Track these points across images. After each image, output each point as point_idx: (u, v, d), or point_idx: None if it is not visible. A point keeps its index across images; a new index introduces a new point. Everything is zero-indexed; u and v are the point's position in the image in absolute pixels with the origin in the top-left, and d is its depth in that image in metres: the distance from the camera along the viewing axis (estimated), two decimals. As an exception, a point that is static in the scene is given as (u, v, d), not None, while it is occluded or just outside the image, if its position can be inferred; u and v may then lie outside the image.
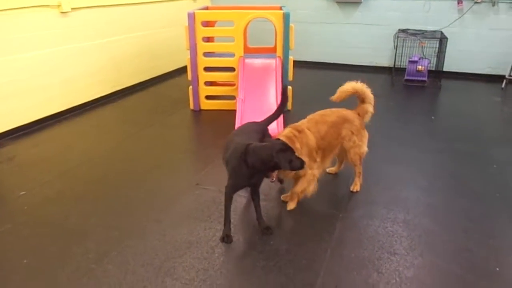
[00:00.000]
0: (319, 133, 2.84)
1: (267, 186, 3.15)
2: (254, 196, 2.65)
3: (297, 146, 2.66)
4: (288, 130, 2.79)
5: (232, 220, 2.66)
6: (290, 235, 2.66)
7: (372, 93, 3.17)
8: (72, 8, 4.73)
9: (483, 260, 2.40)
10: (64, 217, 2.86)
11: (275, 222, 2.79)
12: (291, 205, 2.90)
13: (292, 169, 2.44)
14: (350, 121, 3.02)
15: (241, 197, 3.00)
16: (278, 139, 2.55)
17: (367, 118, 3.16)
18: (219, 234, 2.61)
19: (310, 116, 2.97)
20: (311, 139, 2.78)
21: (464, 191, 3.17)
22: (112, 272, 2.31)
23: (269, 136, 2.85)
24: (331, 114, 3.00)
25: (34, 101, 4.46)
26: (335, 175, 3.40)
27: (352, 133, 3.02)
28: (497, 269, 2.32)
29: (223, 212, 2.62)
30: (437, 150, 3.89)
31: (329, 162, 3.06)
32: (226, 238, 2.56)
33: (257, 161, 2.38)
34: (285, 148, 2.40)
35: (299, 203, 2.91)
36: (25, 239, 2.63)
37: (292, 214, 2.82)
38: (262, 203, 2.71)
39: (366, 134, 3.14)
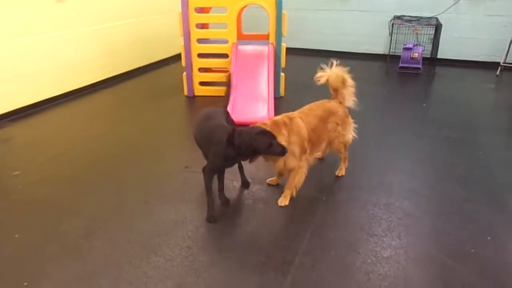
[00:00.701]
0: (310, 124, 2.84)
1: (254, 168, 3.23)
2: (221, 173, 2.80)
3: (283, 132, 2.65)
4: (280, 116, 2.80)
5: (216, 202, 2.74)
6: (273, 217, 2.73)
7: (352, 78, 3.15)
8: (67, -7, 4.77)
9: (460, 242, 2.47)
10: (56, 197, 2.95)
11: (261, 203, 2.87)
12: (284, 201, 2.85)
13: (271, 153, 2.50)
14: (334, 113, 3.03)
15: (227, 180, 3.08)
16: (259, 125, 2.60)
17: (350, 102, 3.17)
18: (204, 214, 2.69)
19: (299, 110, 2.97)
20: (303, 129, 2.77)
21: (448, 176, 3.24)
22: (99, 248, 2.41)
23: (231, 120, 2.91)
24: (317, 108, 2.99)
25: (31, 85, 4.52)
26: (321, 160, 3.46)
27: (337, 124, 3.04)
28: (472, 250, 2.39)
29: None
30: (425, 136, 3.95)
31: (315, 154, 3.10)
32: (212, 219, 2.64)
33: (243, 143, 2.46)
34: (264, 132, 2.47)
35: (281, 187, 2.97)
36: (18, 216, 2.73)
37: (277, 197, 2.89)
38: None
39: (350, 122, 3.17)
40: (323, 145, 3.11)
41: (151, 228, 2.59)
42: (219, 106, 2.94)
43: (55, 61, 4.77)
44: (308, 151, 2.84)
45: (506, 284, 2.15)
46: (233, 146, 2.49)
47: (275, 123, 2.68)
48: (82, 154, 3.61)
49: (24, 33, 4.37)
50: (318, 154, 3.43)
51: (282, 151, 2.51)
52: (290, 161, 2.73)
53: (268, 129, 2.52)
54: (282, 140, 2.59)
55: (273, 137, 2.49)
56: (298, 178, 2.82)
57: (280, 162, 2.74)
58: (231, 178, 3.11)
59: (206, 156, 2.75)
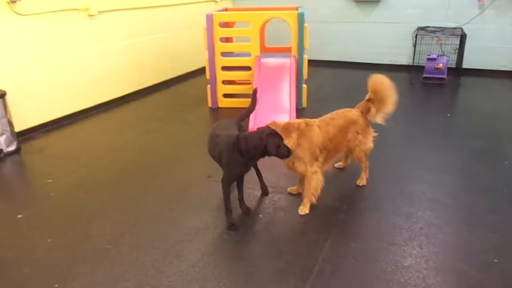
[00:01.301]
0: (328, 134, 2.89)
1: (275, 177, 3.29)
2: (239, 181, 2.85)
3: (292, 135, 2.71)
4: (298, 120, 2.88)
5: (237, 210, 2.81)
6: (293, 226, 2.77)
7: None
8: (99, 11, 5.02)
9: (483, 252, 2.44)
10: (85, 203, 3.09)
11: (281, 212, 2.92)
12: (304, 210, 2.88)
13: (279, 155, 2.58)
14: (355, 123, 3.06)
15: (248, 189, 3.15)
16: (267, 126, 2.69)
17: (373, 116, 3.16)
18: (226, 222, 2.76)
19: (321, 118, 3.03)
20: (317, 136, 2.82)
21: (471, 186, 3.20)
22: (126, 252, 2.51)
23: (245, 130, 2.96)
24: (338, 118, 3.03)
25: (63, 98, 4.76)
26: (342, 169, 3.49)
27: (358, 133, 3.07)
28: (496, 260, 2.37)
29: (232, 202, 2.78)
30: (449, 146, 3.91)
31: (333, 162, 3.12)
32: (233, 227, 2.71)
33: (250, 147, 2.55)
34: (274, 133, 2.57)
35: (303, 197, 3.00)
36: (50, 221, 2.87)
37: (297, 206, 2.93)
38: (269, 195, 2.84)
39: (370, 131, 3.19)
40: (341, 154, 3.14)
41: (174, 234, 2.68)
42: (232, 118, 3.02)
43: (86, 75, 5.00)
44: (320, 159, 2.86)
45: (530, 295, 2.12)
46: (240, 151, 2.58)
47: (287, 126, 2.75)
48: (110, 163, 3.77)
49: (58, 48, 4.61)
50: (340, 164, 3.46)
51: (287, 153, 2.59)
52: (298, 165, 2.80)
53: (276, 131, 2.60)
54: (289, 142, 2.67)
55: (281, 139, 2.58)
56: (313, 185, 2.84)
57: (289, 162, 2.83)
58: (252, 187, 3.18)
59: (221, 167, 2.81)
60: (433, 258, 2.39)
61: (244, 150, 2.56)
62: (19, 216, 2.95)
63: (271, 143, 2.54)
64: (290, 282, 2.23)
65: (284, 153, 2.59)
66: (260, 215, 2.86)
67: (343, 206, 2.97)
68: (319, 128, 2.87)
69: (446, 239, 2.57)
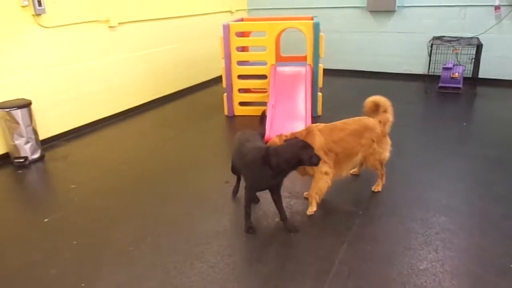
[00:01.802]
0: (331, 136, 2.97)
1: (290, 183, 3.36)
2: (276, 197, 2.77)
3: None
4: (299, 131, 2.99)
5: (256, 213, 2.88)
6: (310, 229, 2.83)
7: (391, 103, 3.28)
8: (119, 23, 5.19)
9: (498, 257, 2.46)
10: (107, 208, 3.20)
11: (299, 216, 2.98)
12: (310, 209, 2.98)
13: (311, 164, 2.63)
14: (370, 129, 3.11)
15: (266, 193, 3.21)
16: (296, 137, 2.74)
17: (388, 126, 3.24)
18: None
19: (333, 122, 3.11)
20: (318, 140, 2.91)
21: (486, 194, 3.21)
22: (147, 254, 2.60)
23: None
24: (353, 122, 3.11)
25: (84, 107, 4.92)
26: (357, 176, 3.53)
27: (373, 141, 3.11)
28: (511, 266, 2.38)
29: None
30: (464, 154, 3.93)
31: (349, 167, 3.16)
32: (251, 229, 2.78)
33: (282, 160, 2.54)
34: (307, 145, 2.60)
35: (322, 202, 3.05)
36: (75, 225, 2.99)
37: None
38: (286, 200, 2.90)
39: (388, 141, 3.23)
40: (356, 159, 3.17)
41: (194, 237, 2.76)
42: (254, 130, 3.06)
43: (106, 84, 5.17)
44: (329, 161, 2.93)
45: (547, 299, 2.13)
46: (269, 165, 2.56)
47: (291, 137, 2.86)
48: (130, 169, 3.88)
49: (79, 58, 4.79)
50: (354, 170, 3.51)
51: (318, 161, 2.63)
52: (308, 168, 2.90)
53: (306, 142, 2.65)
54: None
55: (312, 148, 2.62)
56: (319, 185, 2.94)
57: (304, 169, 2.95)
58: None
59: (244, 178, 2.83)
60: (448, 262, 2.42)
61: (274, 164, 2.54)
62: (46, 220, 3.06)
63: (306, 155, 2.56)
64: (307, 284, 2.28)
65: (316, 162, 2.62)
66: (277, 219, 2.92)
67: (359, 211, 3.02)
68: (320, 132, 2.97)
69: (461, 244, 2.59)
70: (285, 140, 2.74)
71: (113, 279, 2.40)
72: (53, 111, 4.55)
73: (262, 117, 3.25)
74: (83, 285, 2.36)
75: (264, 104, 5.02)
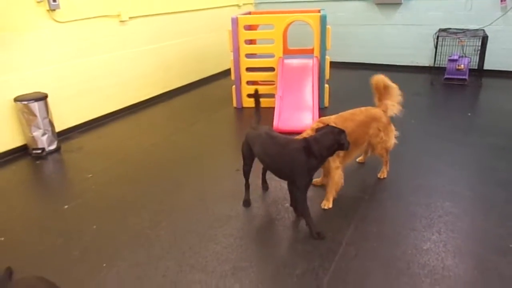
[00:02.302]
0: (346, 129, 2.95)
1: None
2: (293, 188, 2.81)
3: None
4: (315, 123, 3.04)
5: (267, 201, 3.01)
6: (319, 214, 2.95)
7: (398, 89, 3.34)
8: (129, 17, 5.32)
9: (499, 238, 2.57)
10: (123, 195, 3.35)
11: (308, 201, 3.08)
12: (327, 204, 3.01)
13: (346, 148, 2.66)
14: (377, 120, 3.22)
15: (274, 181, 3.34)
16: (327, 125, 2.73)
17: (392, 111, 3.33)
18: (256, 211, 2.98)
19: (341, 113, 3.20)
20: None
21: (490, 180, 3.31)
22: (164, 237, 2.74)
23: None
24: (360, 113, 3.20)
25: (97, 100, 5.07)
26: (362, 164, 3.64)
27: (379, 130, 3.23)
28: (511, 246, 2.49)
29: (260, 192, 3.00)
30: (469, 143, 4.02)
31: (355, 156, 3.27)
32: (320, 234, 2.64)
33: (323, 148, 2.55)
34: (342, 130, 2.64)
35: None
36: (93, 210, 3.14)
37: (322, 196, 3.11)
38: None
39: (393, 129, 3.35)
40: (362, 148, 3.28)
41: (208, 221, 2.90)
42: (262, 125, 2.97)
43: (117, 78, 5.31)
44: (341, 154, 2.99)
45: (545, 276, 2.24)
46: (314, 155, 2.55)
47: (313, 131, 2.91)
48: (143, 159, 4.02)
49: (92, 52, 4.93)
50: (360, 158, 3.62)
51: (349, 145, 2.68)
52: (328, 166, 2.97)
53: (339, 128, 2.69)
54: None
55: (346, 133, 2.66)
56: (336, 180, 2.99)
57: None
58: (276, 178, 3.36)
59: (279, 175, 2.77)
60: (451, 242, 2.54)
61: (317, 152, 2.54)
62: (65, 207, 3.21)
63: (344, 139, 2.59)
64: (317, 262, 2.41)
65: (348, 146, 2.66)
66: (287, 204, 3.05)
67: (365, 196, 3.13)
68: (336, 124, 2.97)
69: (464, 227, 2.70)
70: (317, 130, 2.73)
71: (133, 258, 2.54)
72: (67, 104, 4.70)
73: (257, 100, 3.10)
74: (104, 265, 2.51)
75: (272, 96, 5.13)
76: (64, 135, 4.66)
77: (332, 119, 3.09)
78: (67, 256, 2.62)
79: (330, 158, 2.91)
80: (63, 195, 3.43)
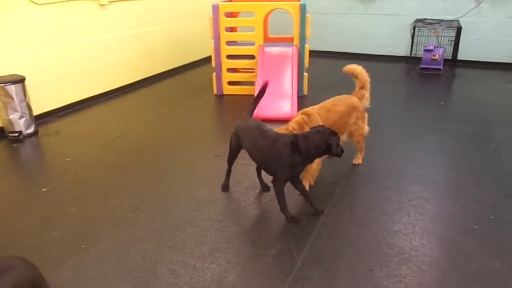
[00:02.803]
0: (328, 120, 3.06)
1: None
2: (300, 186, 2.78)
3: (306, 130, 2.88)
4: (299, 116, 3.05)
5: (245, 186, 3.08)
6: (294, 198, 3.03)
7: (370, 80, 3.45)
8: (109, 1, 5.24)
9: (464, 220, 2.72)
10: (103, 179, 3.37)
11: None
12: None
13: (336, 154, 2.61)
14: (357, 109, 3.30)
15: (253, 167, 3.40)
16: (322, 125, 2.74)
17: (366, 102, 3.43)
18: (234, 195, 3.06)
19: (322, 104, 3.24)
20: (320, 123, 2.99)
21: (459, 165, 3.47)
22: (143, 220, 2.79)
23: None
24: (342, 104, 3.24)
25: (76, 84, 5.02)
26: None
27: (358, 118, 3.32)
28: (475, 227, 2.64)
29: (237, 178, 3.06)
30: (440, 131, 4.17)
31: None
32: (294, 218, 2.70)
33: (311, 146, 2.54)
34: (335, 132, 2.61)
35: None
36: (72, 194, 3.15)
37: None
38: (270, 177, 3.06)
39: (366, 116, 3.45)
40: (342, 137, 3.36)
41: (186, 204, 2.96)
42: (249, 117, 2.95)
43: (97, 62, 5.25)
44: None
45: (505, 252, 2.39)
46: (299, 152, 2.55)
47: (300, 125, 2.95)
48: (123, 144, 4.03)
49: (71, 36, 4.86)
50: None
51: (342, 152, 2.64)
52: None
53: (334, 130, 2.66)
54: None
55: (339, 137, 2.65)
56: (314, 167, 3.05)
57: None
58: (247, 164, 3.43)
59: (270, 168, 2.74)
60: (419, 224, 2.67)
61: (303, 149, 2.54)
62: (44, 189, 3.22)
63: (334, 142, 2.56)
64: (291, 244, 2.51)
65: (340, 152, 2.62)
66: (264, 192, 3.13)
67: (340, 181, 3.24)
68: (319, 116, 3.06)
69: (432, 209, 2.84)
70: (312, 128, 2.73)
71: (112, 240, 2.59)
72: (45, 87, 4.64)
73: (260, 94, 3.05)
74: (83, 246, 2.54)
75: (252, 83, 5.18)
76: (42, 119, 4.61)
77: (315, 110, 3.12)
78: (46, 237, 2.65)
79: None
80: (41, 178, 3.43)
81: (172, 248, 2.51)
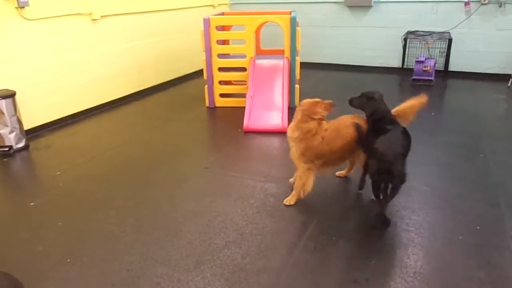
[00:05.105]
0: (330, 146, 2.92)
1: (267, 167, 3.57)
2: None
3: (303, 125, 2.93)
4: (313, 123, 2.93)
5: (233, 198, 3.09)
6: (282, 208, 3.04)
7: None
8: (101, 16, 5.31)
9: (450, 230, 2.72)
10: (92, 192, 3.37)
11: (272, 198, 3.18)
12: (290, 201, 3.06)
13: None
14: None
15: (241, 179, 3.42)
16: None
17: None
18: (222, 207, 3.05)
19: (334, 125, 3.01)
20: (316, 147, 2.91)
21: (446, 176, 3.48)
22: (129, 232, 2.78)
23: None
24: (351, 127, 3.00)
25: (68, 98, 5.04)
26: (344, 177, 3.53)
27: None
28: (460, 237, 2.64)
29: (226, 190, 3.07)
30: (430, 142, 4.19)
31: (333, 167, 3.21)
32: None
33: None
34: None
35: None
36: (60, 208, 3.15)
37: (286, 193, 3.20)
38: (261, 183, 3.09)
39: None
40: (345, 160, 3.22)
41: (174, 217, 2.96)
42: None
43: (89, 76, 5.29)
44: (316, 161, 2.96)
45: (489, 263, 2.39)
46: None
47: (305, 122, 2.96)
48: (114, 157, 4.04)
49: (63, 51, 4.90)
50: (341, 172, 3.52)
51: None
52: (294, 158, 3.04)
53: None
54: (295, 132, 2.98)
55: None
56: (303, 182, 3.00)
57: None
58: (242, 176, 3.45)
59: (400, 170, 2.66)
60: (405, 235, 2.67)
61: None
62: (32, 203, 3.21)
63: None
64: (277, 256, 2.50)
65: None
66: (252, 201, 3.13)
67: (328, 193, 3.24)
68: (323, 139, 2.91)
69: (419, 220, 2.84)
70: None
71: (97, 254, 2.58)
72: (37, 102, 4.66)
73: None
74: (68, 260, 2.54)
75: (244, 96, 5.21)
76: (34, 133, 4.62)
77: (322, 133, 2.95)
78: (32, 251, 2.64)
79: (301, 159, 2.95)
80: (29, 192, 3.43)
81: (157, 261, 2.50)
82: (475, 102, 5.50)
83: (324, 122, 3.00)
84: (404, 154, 2.68)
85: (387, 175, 2.60)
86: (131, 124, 4.99)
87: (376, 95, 3.01)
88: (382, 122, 2.82)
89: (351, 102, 3.09)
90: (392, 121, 2.84)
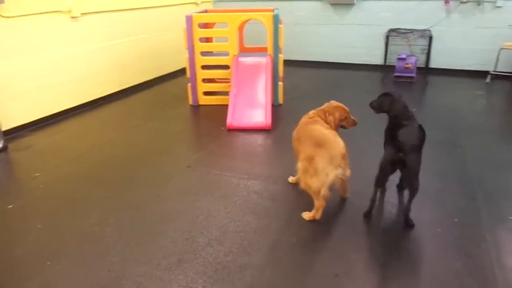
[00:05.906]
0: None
1: (250, 165, 3.57)
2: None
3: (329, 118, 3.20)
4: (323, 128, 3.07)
5: (217, 195, 3.08)
6: (266, 206, 3.06)
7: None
8: (81, 13, 5.23)
9: (429, 223, 2.77)
10: (72, 193, 3.32)
11: (255, 195, 3.18)
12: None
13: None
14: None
15: (225, 176, 3.41)
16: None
17: None
18: (205, 205, 3.05)
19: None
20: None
21: (425, 170, 3.45)
22: (111, 233, 2.75)
23: None
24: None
25: (48, 98, 4.96)
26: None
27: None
28: (439, 230, 2.69)
29: (209, 188, 3.05)
30: (411, 137, 4.24)
31: None
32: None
33: None
34: None
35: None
36: (39, 209, 3.09)
37: (270, 189, 3.22)
38: (244, 181, 3.09)
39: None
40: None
41: (157, 216, 2.94)
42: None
43: (70, 75, 5.21)
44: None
45: (467, 254, 2.44)
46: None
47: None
48: (96, 157, 3.99)
49: (42, 49, 4.81)
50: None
51: None
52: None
53: None
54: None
55: None
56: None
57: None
58: (229, 175, 3.44)
59: (415, 163, 2.67)
60: (385, 230, 2.70)
61: None
62: (10, 206, 3.15)
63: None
64: (259, 255, 2.51)
65: None
66: (235, 198, 3.13)
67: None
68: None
69: (398, 215, 2.88)
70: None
71: (78, 255, 2.55)
72: (15, 102, 4.57)
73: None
74: (48, 263, 2.50)
75: (227, 93, 5.20)
76: (12, 134, 4.53)
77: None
78: (10, 255, 2.59)
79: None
80: (7, 194, 3.36)
81: (139, 260, 2.49)
82: (454, 98, 5.59)
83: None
84: (419, 147, 2.70)
85: (401, 165, 2.65)
86: (113, 124, 4.93)
87: (394, 92, 3.17)
88: (399, 118, 2.90)
89: (371, 104, 3.25)
90: (410, 117, 2.88)
